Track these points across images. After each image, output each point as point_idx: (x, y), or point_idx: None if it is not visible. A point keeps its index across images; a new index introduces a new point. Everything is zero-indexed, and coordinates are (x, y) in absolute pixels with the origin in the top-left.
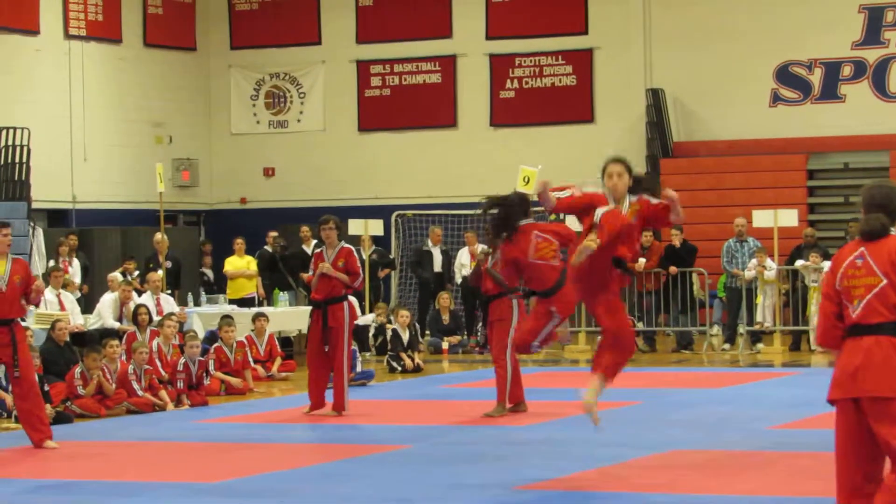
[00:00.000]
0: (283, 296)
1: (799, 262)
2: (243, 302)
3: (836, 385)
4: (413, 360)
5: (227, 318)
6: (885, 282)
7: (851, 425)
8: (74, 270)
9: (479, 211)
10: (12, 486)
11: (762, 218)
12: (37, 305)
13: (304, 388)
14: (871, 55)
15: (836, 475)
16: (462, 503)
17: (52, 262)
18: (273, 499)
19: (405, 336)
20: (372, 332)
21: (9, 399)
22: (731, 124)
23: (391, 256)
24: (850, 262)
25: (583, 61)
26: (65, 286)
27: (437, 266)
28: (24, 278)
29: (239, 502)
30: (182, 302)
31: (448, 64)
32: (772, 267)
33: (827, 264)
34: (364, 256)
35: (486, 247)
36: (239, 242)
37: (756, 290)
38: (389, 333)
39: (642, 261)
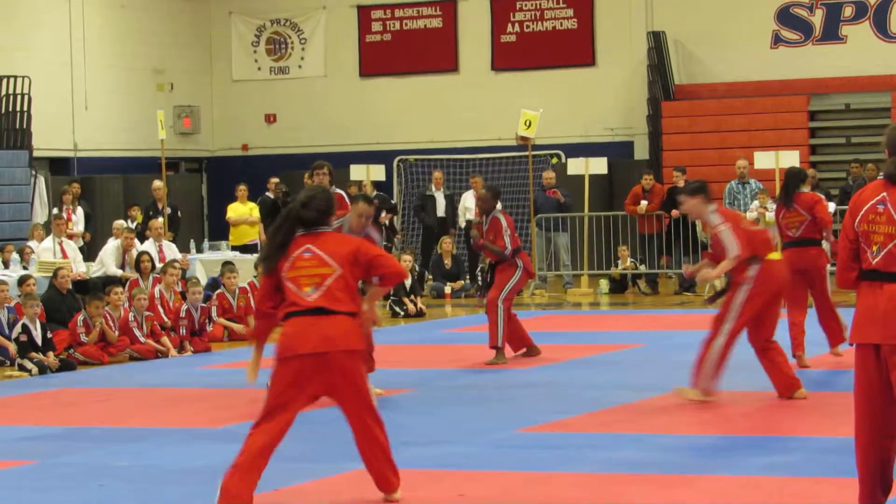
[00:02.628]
0: None
1: None
2: (245, 248)
3: (857, 329)
4: (416, 304)
5: (229, 265)
6: None
7: (870, 370)
8: (77, 218)
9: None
10: (15, 433)
11: (764, 160)
12: None
13: None
14: None
15: (855, 417)
16: (466, 446)
17: (55, 211)
18: None
19: (407, 281)
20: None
21: (11, 347)
22: (733, 66)
23: (393, 201)
24: (870, 206)
25: (584, 4)
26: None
27: (441, 211)
28: None
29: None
30: (184, 249)
31: (449, 8)
32: (773, 208)
33: (831, 206)
34: None
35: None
36: (241, 189)
37: None
38: None
39: (644, 203)
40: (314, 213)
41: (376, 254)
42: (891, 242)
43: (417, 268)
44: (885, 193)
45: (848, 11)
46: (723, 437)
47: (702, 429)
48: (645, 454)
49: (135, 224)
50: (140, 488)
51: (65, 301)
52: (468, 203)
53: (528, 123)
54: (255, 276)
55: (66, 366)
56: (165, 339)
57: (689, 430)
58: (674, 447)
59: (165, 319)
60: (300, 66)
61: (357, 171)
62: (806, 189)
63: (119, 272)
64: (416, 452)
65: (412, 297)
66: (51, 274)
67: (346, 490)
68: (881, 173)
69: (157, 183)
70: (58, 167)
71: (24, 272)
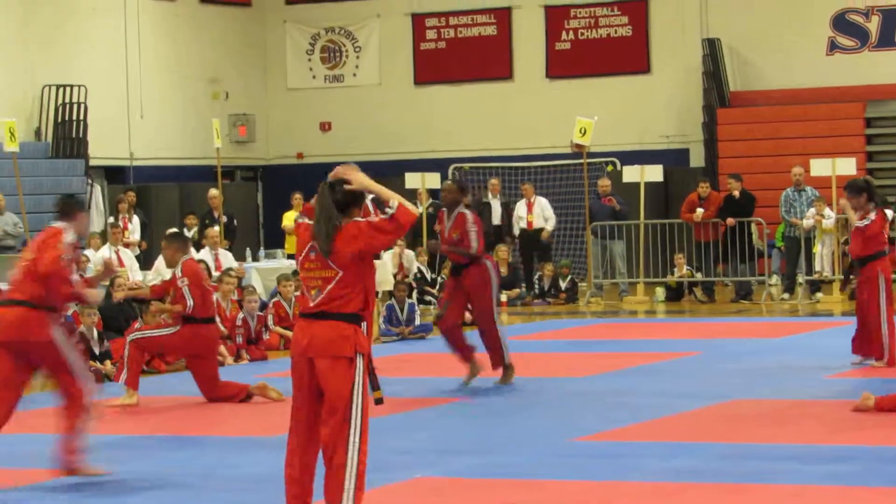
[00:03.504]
0: None
1: None
2: None
3: None
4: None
5: (286, 274)
6: None
7: None
8: (133, 227)
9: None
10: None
11: (820, 167)
12: None
13: None
14: None
15: None
16: (518, 455)
17: (111, 219)
18: None
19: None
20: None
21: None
22: (788, 73)
23: None
24: None
25: (638, 12)
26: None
27: (496, 219)
28: None
29: None
30: (240, 257)
31: (503, 16)
32: (830, 216)
33: (889, 213)
34: (421, 210)
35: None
36: (297, 197)
37: (814, 239)
38: None
39: (700, 211)
40: (343, 195)
41: (374, 232)
42: None
43: None
44: None
45: None
46: (779, 445)
47: (758, 437)
48: (700, 463)
49: (191, 233)
50: (196, 496)
51: (121, 310)
52: (521, 212)
53: (582, 131)
54: None
55: None
56: (222, 348)
57: (745, 439)
58: (730, 456)
59: (222, 328)
60: (355, 75)
61: (412, 180)
62: None
63: None
64: (469, 461)
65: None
66: (108, 283)
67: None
68: None
69: (213, 191)
70: (114, 176)
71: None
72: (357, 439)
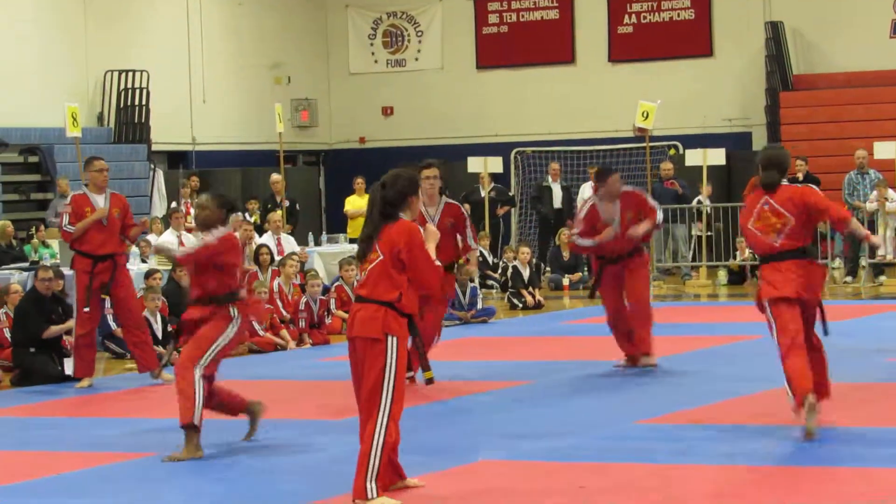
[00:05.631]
0: None
1: None
2: None
3: None
4: (534, 296)
5: (348, 258)
6: None
7: None
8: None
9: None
10: (136, 426)
11: (883, 150)
12: (133, 242)
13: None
14: None
15: None
16: (584, 438)
17: (173, 204)
18: None
19: (525, 273)
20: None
21: None
22: (851, 56)
23: (510, 194)
24: None
25: None
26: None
27: (557, 202)
28: (123, 211)
29: None
30: (302, 242)
31: (566, 0)
32: (893, 199)
33: None
34: (483, 194)
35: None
36: (359, 182)
37: (877, 221)
38: (510, 271)
39: None
40: (392, 195)
41: (417, 255)
42: None
43: (535, 260)
44: None
45: None
46: (842, 428)
47: (821, 420)
48: (763, 447)
49: (253, 217)
50: (260, 480)
51: (184, 294)
52: (585, 194)
53: (645, 115)
54: None
55: None
56: (284, 332)
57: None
58: (792, 439)
59: (284, 313)
60: (417, 59)
61: (474, 164)
62: None
63: None
64: (536, 445)
65: (530, 289)
66: (170, 267)
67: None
68: None
69: (276, 176)
70: (176, 160)
71: (143, 265)
72: (385, 419)
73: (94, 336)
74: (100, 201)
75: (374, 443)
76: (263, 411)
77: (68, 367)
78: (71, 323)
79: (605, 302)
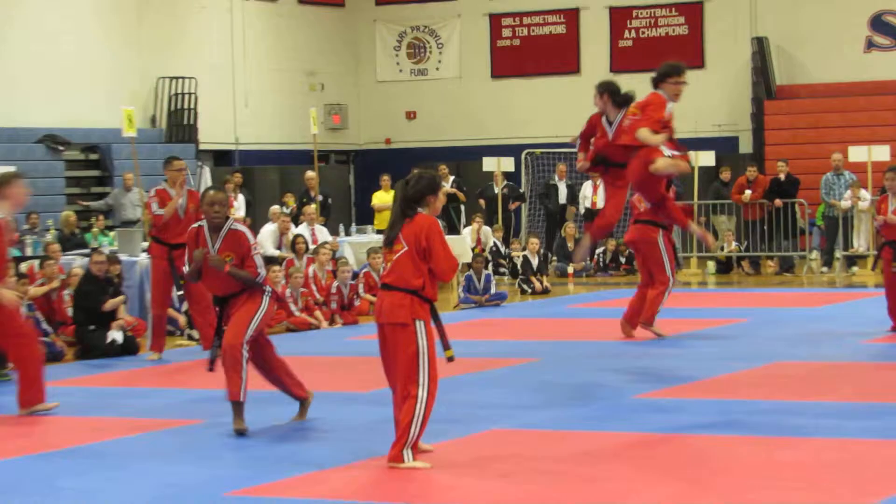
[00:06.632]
0: None
1: None
2: None
3: None
4: (542, 283)
5: (375, 247)
6: None
7: None
8: (239, 205)
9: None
10: (185, 395)
11: (857, 153)
12: None
13: (444, 307)
14: None
15: None
16: (585, 409)
17: None
18: None
19: (534, 261)
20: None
21: (181, 318)
22: (829, 69)
23: (521, 190)
24: None
25: (694, 12)
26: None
27: (563, 199)
28: (197, 207)
29: (389, 410)
30: (334, 232)
31: (572, 16)
32: (866, 198)
33: None
34: (497, 190)
35: None
36: (385, 179)
37: (852, 218)
38: (520, 260)
39: (748, 192)
40: (413, 192)
41: (435, 246)
42: None
43: (542, 250)
44: None
45: None
46: (820, 403)
47: (801, 395)
48: (749, 418)
49: (289, 210)
50: (298, 446)
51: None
52: (586, 192)
53: None
54: None
55: None
56: (318, 313)
57: (789, 397)
58: (776, 411)
59: (318, 296)
60: (437, 69)
61: (489, 163)
62: None
63: (276, 253)
64: (543, 415)
65: (539, 276)
66: None
67: (466, 451)
68: None
69: (310, 173)
70: (221, 159)
71: None
72: (425, 394)
73: (165, 316)
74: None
75: (415, 415)
76: (311, 401)
77: (118, 337)
78: (123, 298)
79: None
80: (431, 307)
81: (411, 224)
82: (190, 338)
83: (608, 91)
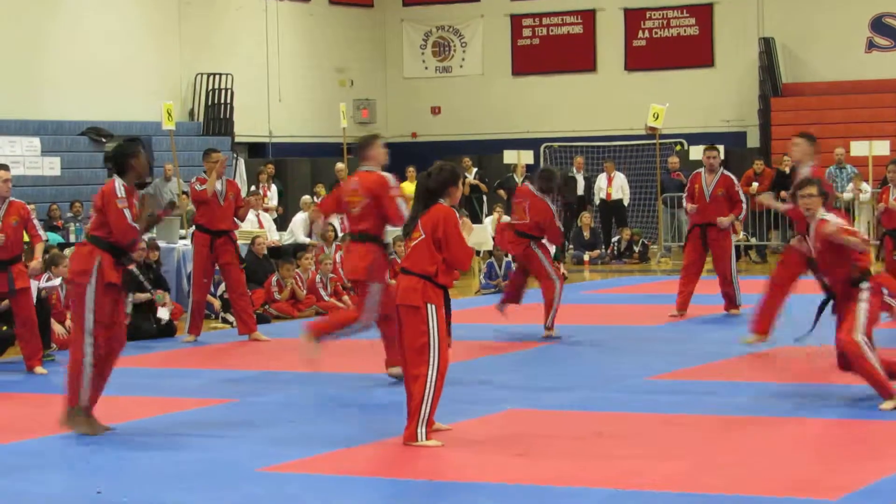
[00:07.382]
0: None
1: None
2: None
3: None
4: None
5: (399, 235)
6: None
7: None
8: (272, 195)
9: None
10: (220, 375)
11: (859, 148)
12: (242, 220)
13: (466, 293)
14: None
15: None
16: (602, 391)
17: (252, 188)
18: None
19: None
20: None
21: (216, 303)
22: (832, 68)
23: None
24: None
25: (704, 14)
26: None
27: (580, 190)
28: (236, 195)
29: None
30: None
31: (588, 17)
32: (867, 190)
33: None
34: (518, 182)
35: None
36: (410, 171)
37: (854, 210)
38: None
39: (755, 185)
40: (434, 183)
41: (451, 235)
42: None
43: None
44: None
45: None
46: (825, 385)
47: (807, 378)
48: (754, 400)
49: (320, 200)
50: (325, 425)
51: (261, 264)
52: (601, 184)
53: (655, 116)
54: None
55: (262, 319)
56: (346, 298)
57: (795, 380)
58: (781, 394)
59: (346, 281)
60: (461, 66)
61: (509, 156)
62: None
63: (307, 240)
64: (559, 396)
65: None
66: (249, 241)
67: (483, 430)
68: None
69: (340, 165)
70: (255, 151)
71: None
72: (434, 374)
73: (205, 301)
74: (216, 185)
75: (426, 394)
76: None
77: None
78: (149, 295)
79: None
80: (445, 293)
81: (429, 214)
82: (224, 321)
83: None
